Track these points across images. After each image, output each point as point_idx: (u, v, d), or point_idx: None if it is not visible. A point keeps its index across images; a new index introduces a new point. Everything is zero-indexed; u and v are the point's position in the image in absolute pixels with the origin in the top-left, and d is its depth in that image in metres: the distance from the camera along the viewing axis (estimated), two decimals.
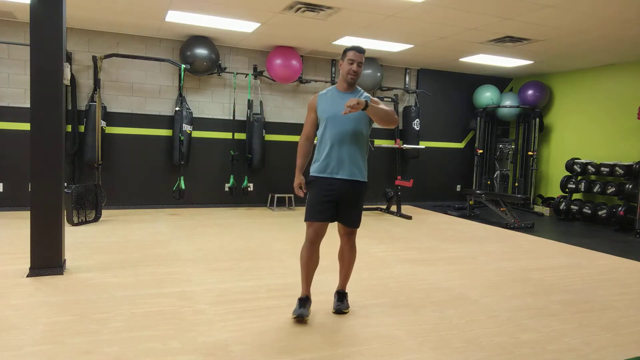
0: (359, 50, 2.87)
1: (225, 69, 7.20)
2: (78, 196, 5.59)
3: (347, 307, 3.11)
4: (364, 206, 3.13)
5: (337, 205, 2.92)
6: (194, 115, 7.13)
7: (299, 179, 3.02)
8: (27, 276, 3.53)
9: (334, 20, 5.62)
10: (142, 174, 7.06)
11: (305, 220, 2.96)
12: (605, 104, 7.72)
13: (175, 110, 6.90)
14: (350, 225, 2.98)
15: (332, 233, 3.18)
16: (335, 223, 3.03)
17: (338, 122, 2.88)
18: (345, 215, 2.95)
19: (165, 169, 7.17)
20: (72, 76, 6.49)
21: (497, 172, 8.92)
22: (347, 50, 2.90)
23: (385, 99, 8.07)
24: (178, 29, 6.41)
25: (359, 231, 3.10)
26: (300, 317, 2.88)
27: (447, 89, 8.99)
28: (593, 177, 7.69)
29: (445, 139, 9.12)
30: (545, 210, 8.16)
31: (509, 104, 8.62)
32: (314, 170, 2.97)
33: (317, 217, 2.90)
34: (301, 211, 7.13)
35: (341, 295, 3.14)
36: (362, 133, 2.92)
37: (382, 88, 8.29)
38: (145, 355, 2.37)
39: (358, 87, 3.03)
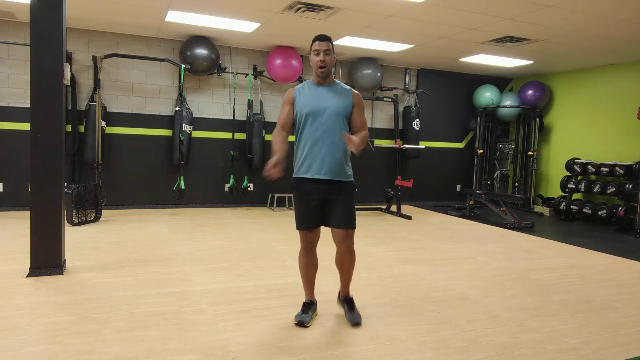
0: (321, 38, 2.69)
1: (225, 69, 7.20)
2: (78, 196, 5.59)
3: (359, 315, 2.91)
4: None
5: (324, 208, 2.76)
6: (194, 115, 7.13)
7: (275, 157, 2.67)
8: (27, 276, 3.54)
9: (334, 20, 5.62)
10: (142, 174, 7.06)
11: (296, 229, 2.86)
12: (606, 104, 7.72)
13: (175, 110, 6.91)
14: (342, 225, 2.74)
15: (328, 232, 3.15)
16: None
17: (318, 117, 2.72)
18: (335, 216, 2.75)
19: (165, 169, 7.17)
20: (72, 76, 6.49)
21: (497, 172, 8.91)
22: (312, 41, 2.73)
23: (385, 99, 8.09)
24: (178, 29, 6.41)
25: (358, 230, 3.00)
26: (301, 324, 2.81)
27: (447, 89, 8.99)
28: (593, 177, 7.68)
29: (445, 139, 9.12)
30: (545, 210, 8.15)
31: (509, 104, 8.62)
32: (296, 172, 2.81)
33: (305, 226, 2.79)
34: None
35: (350, 303, 2.96)
36: (342, 129, 2.73)
37: (382, 88, 8.29)
38: (145, 355, 2.37)
39: (336, 80, 2.89)
